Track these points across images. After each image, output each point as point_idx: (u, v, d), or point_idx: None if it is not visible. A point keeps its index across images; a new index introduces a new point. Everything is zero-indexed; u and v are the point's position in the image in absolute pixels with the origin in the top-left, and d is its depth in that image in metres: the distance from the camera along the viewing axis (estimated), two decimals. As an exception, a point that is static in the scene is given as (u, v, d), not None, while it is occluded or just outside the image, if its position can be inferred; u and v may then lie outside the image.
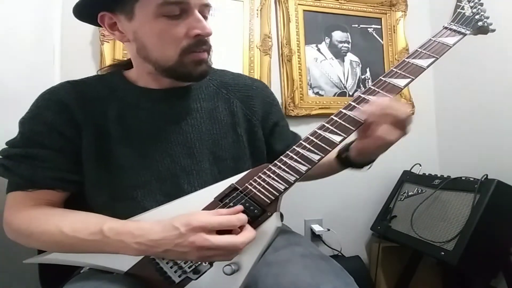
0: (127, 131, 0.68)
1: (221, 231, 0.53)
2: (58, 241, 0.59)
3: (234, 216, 0.54)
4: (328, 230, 1.40)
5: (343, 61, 1.50)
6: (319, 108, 1.42)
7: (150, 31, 0.64)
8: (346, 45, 1.51)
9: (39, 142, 0.64)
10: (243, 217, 0.55)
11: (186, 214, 0.55)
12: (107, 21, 0.67)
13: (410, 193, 1.32)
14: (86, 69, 1.19)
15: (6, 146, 0.66)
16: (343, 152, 0.75)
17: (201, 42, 0.65)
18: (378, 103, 0.62)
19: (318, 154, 0.61)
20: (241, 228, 0.55)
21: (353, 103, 0.65)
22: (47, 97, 0.68)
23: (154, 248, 0.54)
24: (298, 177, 0.60)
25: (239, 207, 0.58)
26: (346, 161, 0.75)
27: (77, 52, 1.21)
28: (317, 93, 1.45)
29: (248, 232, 0.54)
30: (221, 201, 0.61)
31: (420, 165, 1.42)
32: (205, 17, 0.67)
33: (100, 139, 0.67)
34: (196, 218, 0.53)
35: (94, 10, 0.66)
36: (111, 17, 0.66)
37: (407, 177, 1.40)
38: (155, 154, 0.69)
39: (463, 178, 1.17)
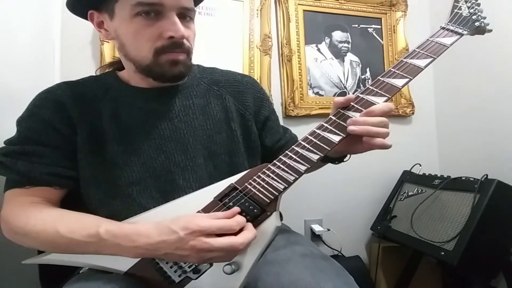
0: (121, 129, 0.70)
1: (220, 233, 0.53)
2: (54, 241, 0.59)
3: (233, 219, 0.54)
4: (328, 230, 1.40)
5: (343, 61, 1.50)
6: (319, 108, 1.42)
7: (127, 30, 0.66)
8: (346, 45, 1.51)
9: (36, 139, 0.66)
10: (241, 220, 0.55)
11: (183, 217, 0.55)
12: (95, 19, 0.70)
13: (410, 193, 1.32)
14: (86, 69, 1.18)
15: (4, 145, 0.67)
16: None
17: (176, 44, 0.66)
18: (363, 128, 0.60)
19: (317, 154, 0.61)
20: (241, 229, 0.55)
21: (351, 103, 0.65)
22: (44, 97, 0.69)
23: (153, 252, 0.54)
24: (297, 176, 0.60)
25: (236, 209, 0.57)
26: (324, 158, 0.74)
27: (77, 52, 1.21)
28: (317, 93, 1.45)
29: (248, 232, 0.54)
30: (220, 201, 0.61)
31: (420, 165, 1.42)
32: (189, 19, 0.68)
33: (95, 138, 0.68)
34: (194, 222, 0.52)
35: (84, 9, 0.69)
36: (98, 15, 0.69)
37: (407, 177, 1.40)
38: (149, 151, 0.69)
39: (463, 178, 1.17)
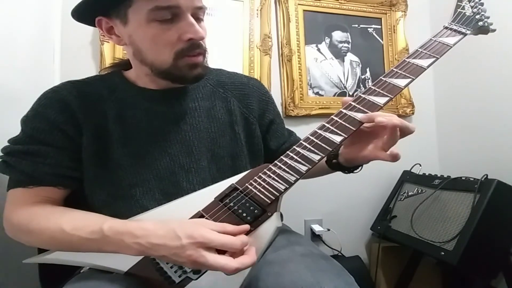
0: (126, 130, 0.69)
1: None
2: (58, 238, 0.59)
3: (238, 238, 0.53)
4: (328, 230, 1.40)
5: (343, 61, 1.50)
6: (319, 108, 1.42)
7: (144, 36, 0.65)
8: (346, 45, 1.51)
9: (40, 139, 0.65)
10: (246, 240, 0.54)
11: (192, 222, 0.54)
12: (104, 25, 0.68)
13: (410, 193, 1.32)
14: (86, 69, 1.19)
15: (8, 144, 0.67)
16: (332, 158, 0.74)
17: (194, 46, 0.66)
18: (392, 120, 0.59)
19: (318, 154, 0.61)
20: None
21: (353, 103, 0.64)
22: (50, 96, 0.68)
23: (152, 251, 0.54)
24: (298, 177, 0.60)
25: (246, 226, 0.56)
26: (336, 166, 0.75)
27: (77, 52, 1.21)
28: (317, 93, 1.45)
29: (247, 258, 0.52)
30: (221, 201, 0.61)
31: (420, 165, 1.42)
32: (200, 19, 0.68)
33: (99, 138, 0.68)
34: (200, 232, 0.52)
35: (91, 15, 0.67)
36: (108, 21, 0.68)
37: (407, 177, 1.40)
38: (154, 153, 0.69)
39: (463, 178, 1.17)
